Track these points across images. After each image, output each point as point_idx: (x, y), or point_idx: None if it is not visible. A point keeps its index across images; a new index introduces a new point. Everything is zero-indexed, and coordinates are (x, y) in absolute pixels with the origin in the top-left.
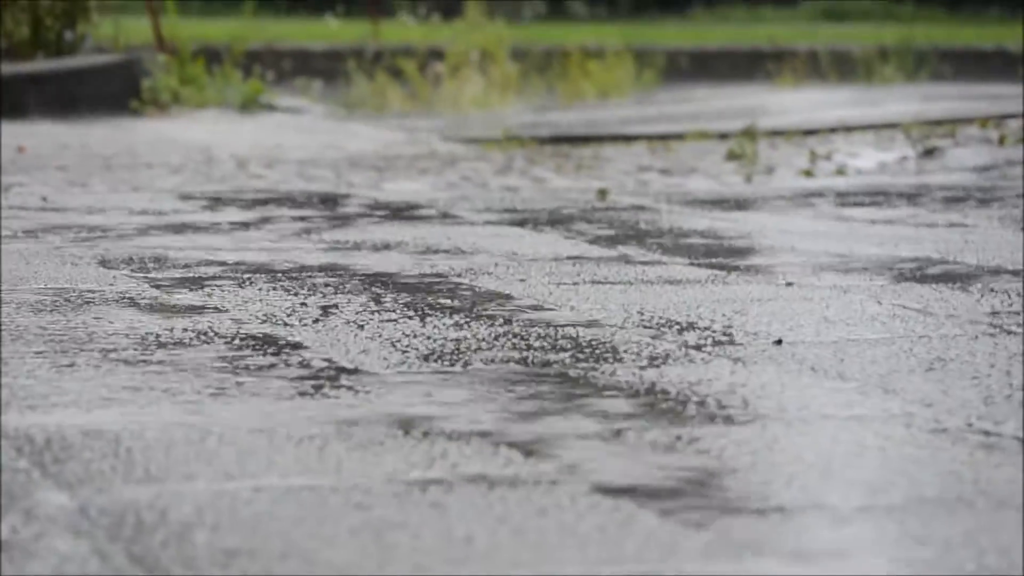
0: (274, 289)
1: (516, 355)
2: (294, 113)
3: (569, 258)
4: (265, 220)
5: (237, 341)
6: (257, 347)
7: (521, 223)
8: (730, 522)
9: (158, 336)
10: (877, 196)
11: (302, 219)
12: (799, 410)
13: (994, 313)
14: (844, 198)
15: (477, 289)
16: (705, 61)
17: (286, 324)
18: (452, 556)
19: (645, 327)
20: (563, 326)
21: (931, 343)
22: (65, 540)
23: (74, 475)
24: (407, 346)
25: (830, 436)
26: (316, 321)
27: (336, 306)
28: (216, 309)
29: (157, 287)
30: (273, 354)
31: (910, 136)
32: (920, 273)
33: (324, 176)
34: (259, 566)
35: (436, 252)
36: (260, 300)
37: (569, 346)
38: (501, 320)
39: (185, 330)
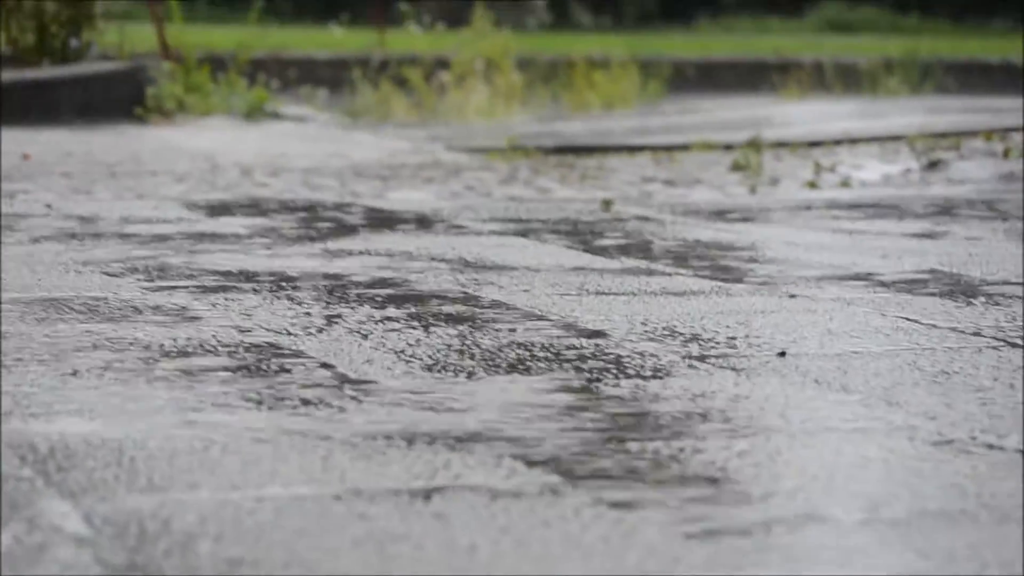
0: (278, 298)
1: (520, 366)
2: (299, 122)
3: (573, 268)
4: (269, 229)
5: (240, 350)
6: (260, 356)
7: (525, 233)
8: (733, 534)
9: (161, 345)
10: (881, 208)
11: (306, 228)
12: (803, 422)
13: (998, 326)
14: (848, 210)
15: (481, 299)
16: (710, 72)
17: (290, 333)
18: (455, 566)
19: (649, 338)
20: (567, 337)
21: (935, 356)
22: (68, 549)
23: (77, 484)
24: (411, 356)
25: (833, 448)
26: (320, 330)
27: (340, 315)
28: (220, 318)
29: (161, 295)
30: (276, 363)
31: (915, 148)
32: (924, 286)
33: (328, 185)
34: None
35: (440, 261)
36: (263, 309)
37: (573, 357)
38: (505, 330)
39: (188, 339)
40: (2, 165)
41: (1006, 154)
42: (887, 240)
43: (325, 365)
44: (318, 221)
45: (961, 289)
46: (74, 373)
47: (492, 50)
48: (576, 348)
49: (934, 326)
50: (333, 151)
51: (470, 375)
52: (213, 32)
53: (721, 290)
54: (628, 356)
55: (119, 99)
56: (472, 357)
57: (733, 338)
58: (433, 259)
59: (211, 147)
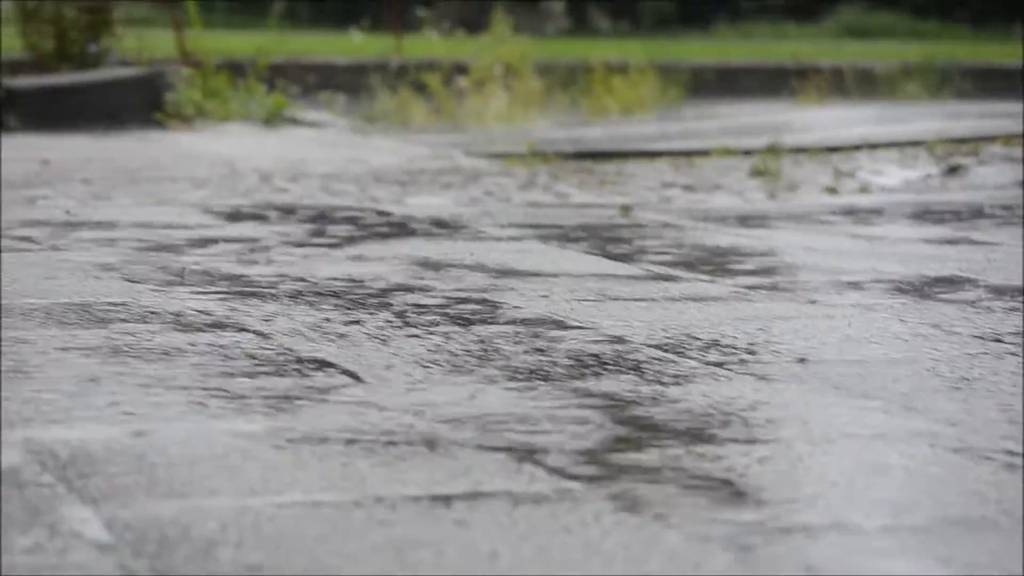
0: (297, 304)
1: (540, 371)
2: (318, 127)
3: (592, 275)
4: (288, 234)
5: (261, 356)
6: (280, 362)
7: (544, 239)
8: (754, 541)
9: (181, 351)
10: (901, 214)
11: (325, 233)
12: (823, 429)
13: (1018, 332)
14: (868, 216)
15: (500, 305)
16: (729, 77)
17: (309, 339)
18: (475, 573)
19: (668, 344)
20: (586, 343)
21: (955, 362)
22: (89, 555)
23: (98, 490)
24: (430, 361)
25: (854, 455)
26: (339, 336)
27: (359, 321)
28: (239, 324)
29: (181, 301)
30: (296, 369)
31: (934, 154)
32: (944, 291)
33: (347, 190)
34: None
35: (459, 268)
36: (283, 315)
37: (592, 363)
38: (524, 337)
39: (209, 345)
40: (22, 171)
41: None
42: (907, 246)
43: (345, 371)
44: (337, 226)
45: (981, 295)
46: (94, 379)
47: (511, 55)
48: (596, 354)
49: (954, 332)
50: (352, 156)
51: (490, 381)
52: (232, 37)
53: (740, 296)
54: (648, 362)
55: (138, 105)
56: (492, 363)
57: (753, 344)
58: (452, 265)
59: (230, 153)
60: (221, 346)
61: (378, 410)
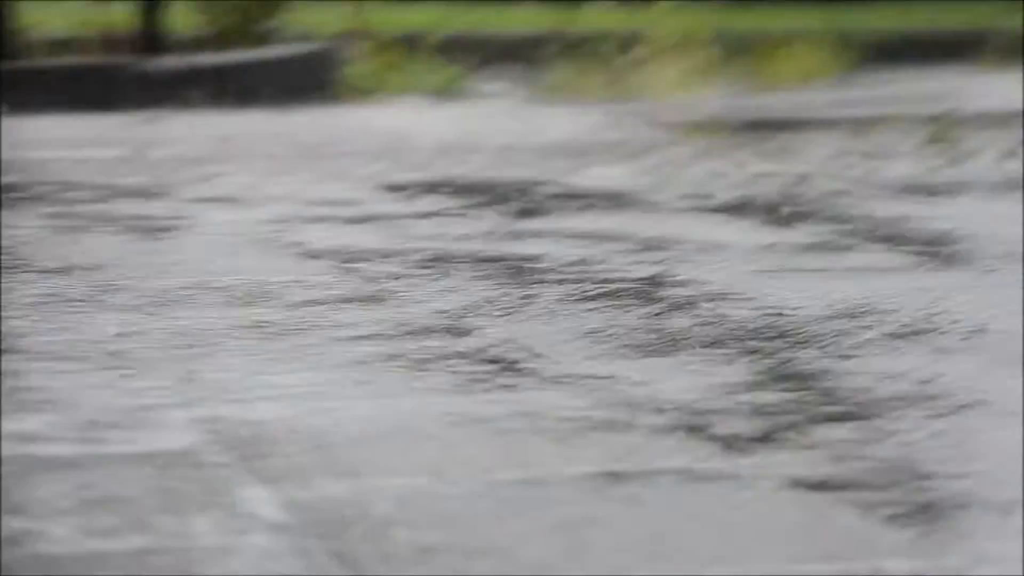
0: (472, 279)
1: (713, 345)
2: (492, 99)
3: (767, 245)
4: (463, 208)
5: (436, 333)
6: (455, 339)
7: (720, 209)
8: (930, 517)
9: (358, 326)
10: None
11: (499, 207)
12: (1000, 402)
13: None
14: None
15: (676, 277)
16: (906, 43)
17: (484, 315)
18: (648, 551)
19: (843, 316)
20: (760, 316)
21: None
22: (267, 536)
23: (276, 470)
24: (604, 337)
25: None
26: (514, 312)
27: (531, 296)
28: (414, 300)
29: (356, 278)
30: (471, 346)
31: None
32: None
33: (522, 163)
34: (456, 564)
35: (634, 240)
36: (457, 291)
37: (767, 336)
38: (698, 310)
39: (384, 322)
40: (202, 147)
41: None
42: None
43: (519, 348)
44: (511, 200)
45: None
46: (272, 358)
47: (685, 25)
48: (770, 327)
49: None
50: (527, 128)
51: (663, 356)
52: (407, 11)
53: (917, 265)
54: (822, 334)
55: (314, 80)
56: (665, 338)
57: (930, 315)
58: (626, 237)
59: (405, 126)
60: (397, 323)
61: (553, 387)
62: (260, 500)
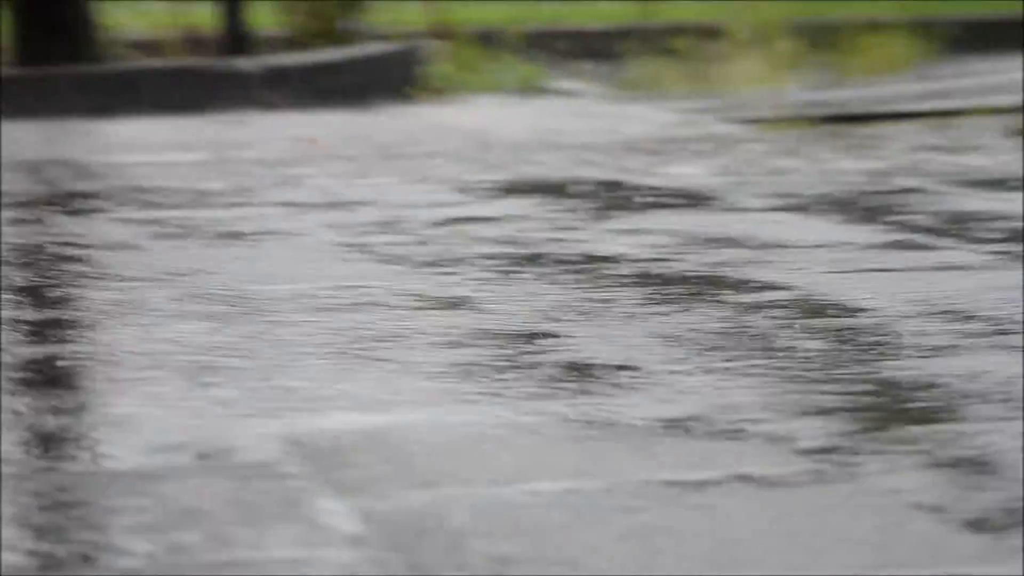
0: (550, 282)
1: (795, 349)
2: (570, 96)
3: (846, 244)
4: (538, 209)
5: (514, 338)
6: (534, 344)
7: (798, 208)
8: (1008, 524)
9: (436, 333)
10: None
11: (575, 207)
12: None
13: None
14: None
15: (753, 279)
16: (987, 33)
17: (560, 319)
18: (720, 560)
19: (923, 316)
20: (840, 316)
21: None
22: (345, 549)
23: (354, 481)
24: (681, 341)
25: None
26: (590, 314)
27: (607, 299)
28: (492, 305)
29: (435, 282)
30: (549, 351)
31: None
32: None
33: (599, 161)
34: (531, 574)
35: (711, 240)
36: (536, 294)
37: (847, 338)
38: (778, 312)
39: (460, 327)
40: (282, 148)
41: None
42: None
43: (596, 352)
44: (588, 200)
45: None
46: (348, 367)
47: (765, 17)
48: (849, 328)
49: None
50: (604, 126)
51: (742, 360)
52: (484, 8)
53: (999, 264)
54: (902, 335)
55: (393, 80)
56: (743, 341)
57: (1013, 315)
58: (703, 238)
59: (483, 125)
60: (475, 328)
61: (631, 392)
62: (339, 513)
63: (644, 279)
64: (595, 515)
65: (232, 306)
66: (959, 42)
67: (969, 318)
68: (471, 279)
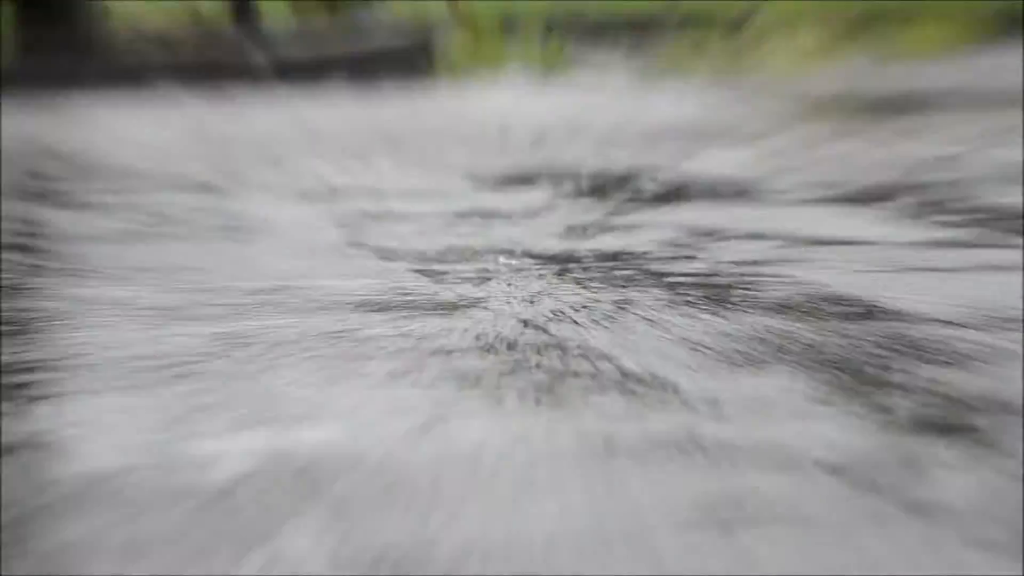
0: (563, 282)
1: (838, 361)
2: (599, 79)
3: (904, 243)
4: (559, 202)
5: (519, 344)
6: (541, 351)
7: (849, 200)
8: None
9: (434, 339)
10: None
11: (601, 198)
12: None
13: None
14: None
15: (796, 280)
16: None
17: (574, 322)
18: None
19: (975, 321)
20: (894, 325)
21: None
22: None
23: (327, 508)
24: (710, 348)
25: None
26: (608, 319)
27: (630, 301)
28: (498, 306)
29: (438, 281)
30: (559, 359)
31: None
32: None
33: (629, 148)
34: None
35: (747, 237)
36: (547, 295)
37: (902, 349)
38: (823, 318)
39: (465, 331)
40: (289, 138)
41: None
42: None
43: (613, 361)
44: (612, 191)
45: None
46: (339, 373)
47: None
48: (905, 338)
49: None
50: (635, 111)
51: (773, 370)
52: None
53: None
54: (965, 346)
55: (409, 65)
56: (782, 351)
57: None
58: (739, 234)
59: (502, 111)
60: (477, 333)
61: (652, 408)
62: (310, 543)
63: (667, 279)
64: (607, 554)
65: (215, 306)
66: (1018, 21)
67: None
68: (478, 277)
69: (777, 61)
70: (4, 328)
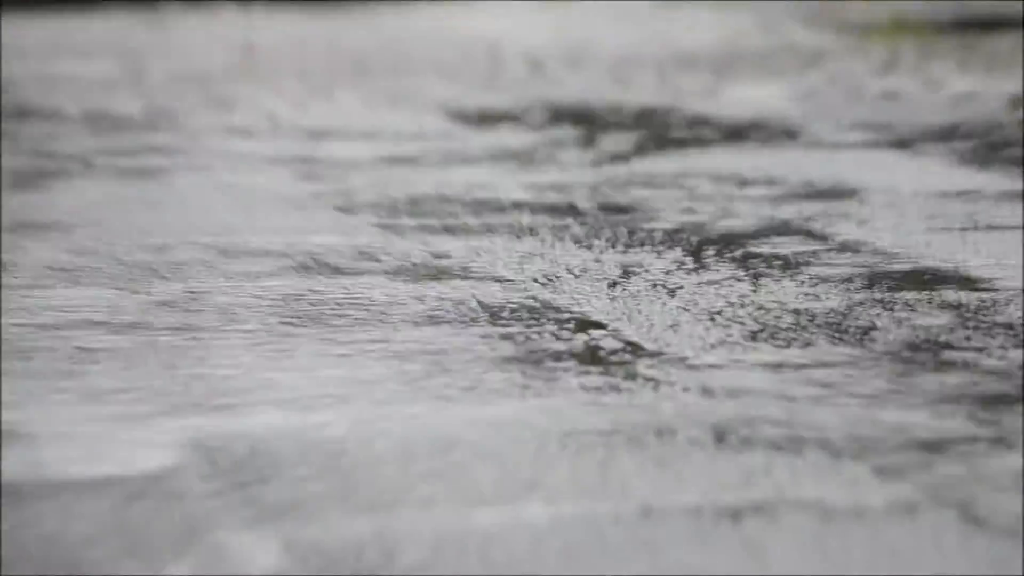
0: (559, 241)
1: (876, 334)
2: None
3: (960, 194)
4: (555, 145)
5: (506, 314)
6: (531, 321)
7: (901, 144)
8: None
9: (404, 307)
10: None
11: (611, 144)
12: None
13: None
14: None
15: (833, 239)
16: None
17: (572, 290)
18: None
19: None
20: (943, 290)
21: None
22: None
23: (277, 500)
24: (730, 320)
25: None
26: (612, 285)
27: (640, 265)
28: (482, 269)
29: (408, 239)
30: (551, 332)
31: None
32: None
33: (642, 81)
34: None
35: (781, 187)
36: (539, 256)
37: (950, 323)
38: (860, 284)
39: (440, 298)
40: (221, 60)
41: None
42: None
43: (615, 334)
44: (623, 132)
45: None
46: (287, 348)
47: None
48: (955, 307)
49: None
50: (651, 33)
51: (806, 346)
52: None
53: None
54: (1014, 320)
55: None
56: (809, 323)
57: None
58: (772, 182)
59: (492, 32)
60: (457, 300)
61: (653, 387)
62: (254, 542)
63: (683, 238)
64: (602, 550)
65: (139, 268)
66: None
67: None
68: (457, 237)
69: None
70: None
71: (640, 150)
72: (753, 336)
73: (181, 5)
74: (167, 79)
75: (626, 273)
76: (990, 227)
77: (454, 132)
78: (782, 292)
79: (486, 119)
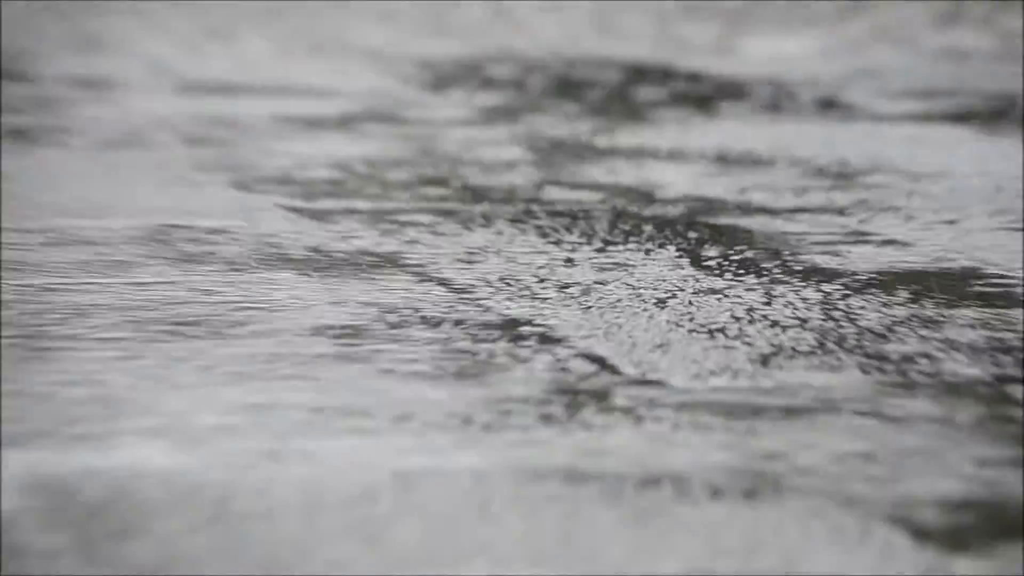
0: (521, 233)
1: (916, 359)
2: None
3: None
4: (518, 111)
5: (448, 325)
6: (481, 335)
7: (961, 116)
8: None
9: (317, 313)
10: None
11: (585, 110)
12: None
13: None
14: None
15: (865, 238)
16: None
17: (536, 296)
18: None
19: None
20: (991, 299)
21: None
22: None
23: (145, 561)
24: (732, 340)
25: None
26: (586, 292)
27: (622, 266)
28: (419, 266)
29: (324, 226)
30: (505, 350)
31: None
32: None
33: (636, 28)
34: None
35: (805, 168)
36: (498, 252)
37: (999, 344)
38: (898, 294)
39: (365, 304)
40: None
41: None
42: None
43: (583, 353)
44: (607, 97)
45: None
46: (161, 363)
47: None
48: (1010, 325)
49: None
50: None
51: (828, 369)
52: None
53: None
54: None
55: None
56: (831, 341)
57: None
58: (792, 162)
59: None
60: (382, 306)
61: (633, 421)
62: None
63: (679, 232)
64: None
65: None
66: None
67: None
68: (396, 224)
69: None
70: None
71: (629, 118)
72: (764, 360)
73: None
74: (15, 11)
75: (603, 277)
76: None
77: (389, 89)
78: (804, 305)
79: (431, 72)
